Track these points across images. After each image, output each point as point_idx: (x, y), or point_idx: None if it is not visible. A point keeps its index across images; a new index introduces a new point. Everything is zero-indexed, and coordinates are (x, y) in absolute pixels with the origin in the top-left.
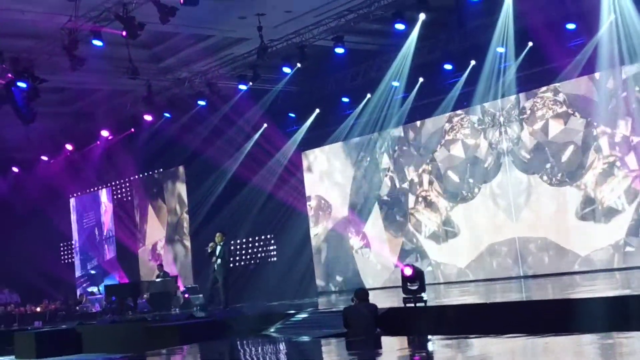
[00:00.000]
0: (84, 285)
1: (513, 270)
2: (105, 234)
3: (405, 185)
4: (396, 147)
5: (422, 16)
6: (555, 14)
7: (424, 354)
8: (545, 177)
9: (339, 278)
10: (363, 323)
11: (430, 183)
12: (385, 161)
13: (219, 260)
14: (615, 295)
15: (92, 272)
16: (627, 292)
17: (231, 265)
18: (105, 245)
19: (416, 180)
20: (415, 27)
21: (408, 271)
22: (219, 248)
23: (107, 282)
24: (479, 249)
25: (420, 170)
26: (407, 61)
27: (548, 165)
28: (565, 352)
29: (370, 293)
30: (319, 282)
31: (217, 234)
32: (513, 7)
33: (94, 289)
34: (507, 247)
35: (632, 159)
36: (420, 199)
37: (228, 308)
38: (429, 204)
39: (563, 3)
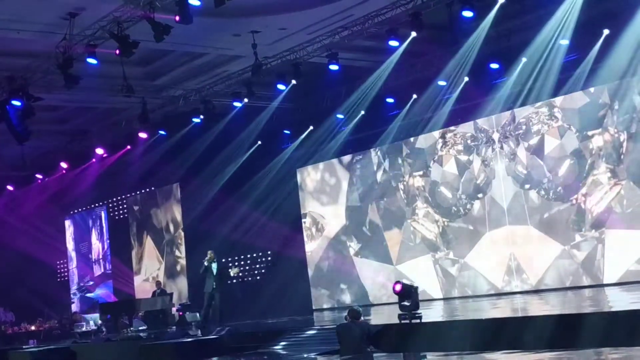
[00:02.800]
0: (81, 293)
1: (508, 278)
2: (97, 253)
3: (402, 195)
4: (390, 162)
5: (413, 34)
6: (549, 28)
7: None
8: (542, 192)
9: (343, 285)
10: (355, 341)
11: (424, 199)
12: (380, 175)
13: (215, 279)
14: (608, 311)
15: (89, 283)
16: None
17: (229, 282)
18: (97, 264)
19: (411, 194)
20: (404, 43)
21: (398, 287)
22: (214, 265)
23: (99, 291)
24: (473, 265)
25: (415, 185)
26: (380, 79)
27: (545, 180)
28: None
29: (369, 309)
30: (323, 292)
31: (209, 252)
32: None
33: (91, 294)
34: (502, 258)
35: (622, 171)
36: (417, 211)
37: (223, 326)
38: (426, 215)
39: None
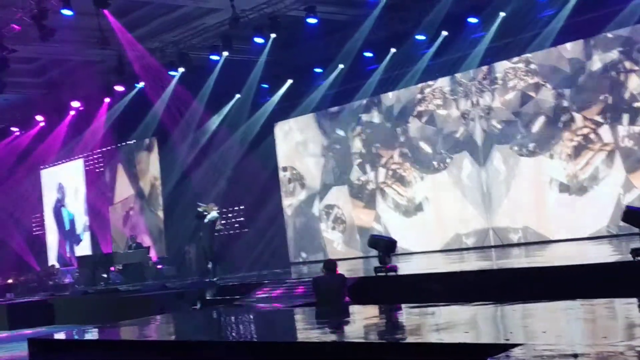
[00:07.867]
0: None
1: (484, 242)
2: (74, 207)
3: (377, 165)
4: (368, 120)
5: None
6: None
7: (392, 321)
8: (515, 148)
9: (304, 254)
10: (332, 293)
11: (402, 155)
12: (357, 145)
13: (202, 228)
14: (584, 263)
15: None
16: (596, 261)
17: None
18: (72, 216)
19: (387, 152)
20: None
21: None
22: (209, 216)
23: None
24: (449, 220)
25: (392, 141)
26: (363, 33)
27: (519, 136)
28: (532, 318)
29: (343, 263)
30: (295, 252)
31: (211, 204)
32: None
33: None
34: (476, 218)
35: (605, 132)
36: (390, 172)
37: (216, 278)
38: (399, 178)
39: None
